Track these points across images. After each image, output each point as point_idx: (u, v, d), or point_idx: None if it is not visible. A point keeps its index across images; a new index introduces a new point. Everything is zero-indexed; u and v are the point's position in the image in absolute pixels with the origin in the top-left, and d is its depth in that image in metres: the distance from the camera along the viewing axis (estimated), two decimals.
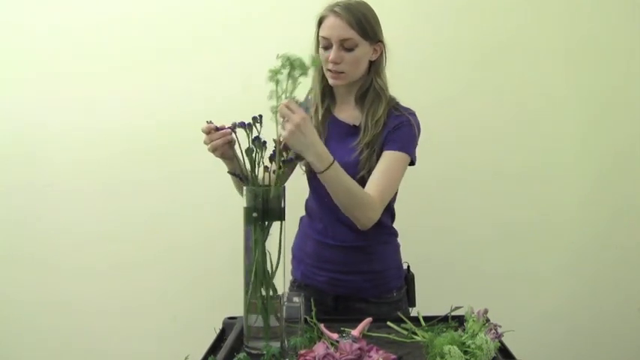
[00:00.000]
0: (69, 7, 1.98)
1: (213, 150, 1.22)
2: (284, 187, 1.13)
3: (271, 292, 1.09)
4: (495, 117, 1.97)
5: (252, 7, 1.97)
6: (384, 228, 1.45)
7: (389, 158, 1.33)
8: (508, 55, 1.96)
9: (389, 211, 1.47)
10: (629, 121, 1.98)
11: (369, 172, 1.33)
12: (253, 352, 1.07)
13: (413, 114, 1.40)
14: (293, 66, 1.10)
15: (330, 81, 1.37)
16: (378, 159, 1.34)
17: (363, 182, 1.33)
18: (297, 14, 1.89)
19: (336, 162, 1.22)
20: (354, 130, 1.39)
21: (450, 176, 1.98)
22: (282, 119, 1.15)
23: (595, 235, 2.02)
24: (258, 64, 1.93)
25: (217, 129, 1.20)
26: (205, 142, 1.22)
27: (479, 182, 1.99)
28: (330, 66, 1.33)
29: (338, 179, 1.23)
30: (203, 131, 1.22)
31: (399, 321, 1.20)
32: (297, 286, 1.48)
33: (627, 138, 1.99)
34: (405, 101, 1.46)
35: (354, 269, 1.41)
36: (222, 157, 1.24)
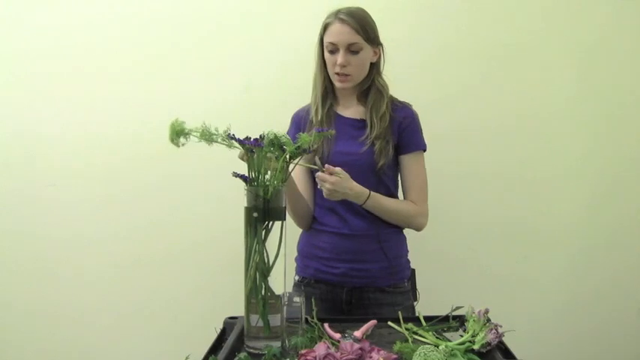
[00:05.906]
0: (71, 7, 1.97)
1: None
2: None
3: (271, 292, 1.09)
4: (500, 118, 1.96)
5: (252, 7, 1.96)
6: None
7: (411, 162, 1.47)
8: (515, 56, 1.95)
9: None
10: (633, 125, 1.97)
11: (386, 160, 1.42)
12: (254, 351, 1.07)
13: (411, 106, 1.50)
14: (277, 144, 1.09)
15: (338, 84, 1.44)
16: (392, 149, 1.44)
17: (382, 170, 1.42)
18: (298, 14, 1.89)
19: (372, 193, 1.38)
20: (361, 124, 1.47)
21: (451, 176, 1.97)
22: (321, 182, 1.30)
23: (596, 235, 2.01)
24: (259, 65, 1.97)
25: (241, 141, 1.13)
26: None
27: (480, 182, 1.98)
28: (338, 69, 1.40)
29: (379, 205, 1.41)
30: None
31: (398, 321, 1.20)
32: (305, 284, 1.50)
33: (631, 142, 1.98)
34: (410, 100, 1.51)
35: (370, 258, 1.45)
36: None
